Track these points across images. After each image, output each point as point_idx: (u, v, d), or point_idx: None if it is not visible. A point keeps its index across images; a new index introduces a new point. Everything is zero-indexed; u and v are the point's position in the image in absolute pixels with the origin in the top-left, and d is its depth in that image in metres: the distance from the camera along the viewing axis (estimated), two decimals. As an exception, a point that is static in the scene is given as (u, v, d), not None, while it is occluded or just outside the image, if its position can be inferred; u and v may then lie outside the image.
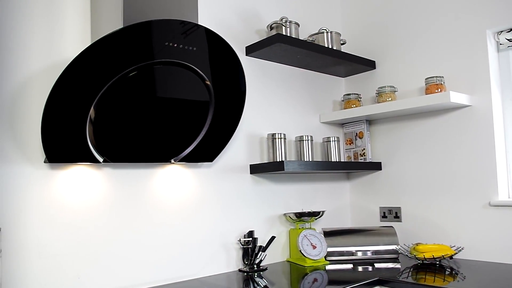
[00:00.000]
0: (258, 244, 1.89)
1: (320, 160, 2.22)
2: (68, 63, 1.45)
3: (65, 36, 1.46)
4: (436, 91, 1.88)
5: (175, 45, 1.33)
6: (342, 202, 2.33)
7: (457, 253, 1.81)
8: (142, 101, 1.40)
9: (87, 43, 1.50)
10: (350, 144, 2.29)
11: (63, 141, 1.30)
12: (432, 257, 1.76)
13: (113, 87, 1.32)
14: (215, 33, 1.41)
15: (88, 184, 1.47)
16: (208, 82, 1.50)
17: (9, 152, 1.33)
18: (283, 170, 1.74)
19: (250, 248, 1.79)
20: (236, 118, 1.64)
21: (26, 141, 1.36)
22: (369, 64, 2.23)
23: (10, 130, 1.34)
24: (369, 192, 2.27)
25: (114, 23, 1.36)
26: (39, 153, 1.38)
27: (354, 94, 2.20)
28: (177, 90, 1.45)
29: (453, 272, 1.65)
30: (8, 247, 1.30)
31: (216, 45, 1.44)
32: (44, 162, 1.38)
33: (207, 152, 1.65)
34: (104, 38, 1.23)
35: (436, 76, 1.89)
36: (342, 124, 2.35)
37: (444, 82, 1.91)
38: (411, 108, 1.93)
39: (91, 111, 1.32)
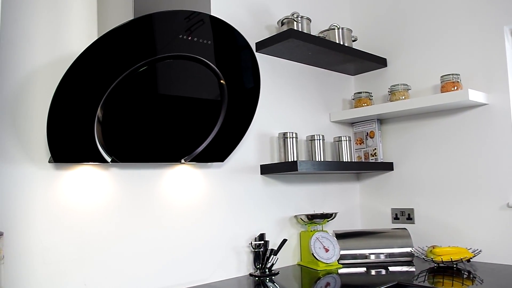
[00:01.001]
0: (269, 247, 1.82)
1: (330, 160, 2.16)
2: (74, 57, 1.38)
3: (70, 29, 1.38)
4: (453, 89, 1.83)
5: (189, 38, 1.26)
6: (352, 204, 2.27)
7: (475, 256, 1.76)
8: (152, 98, 1.32)
9: (94, 36, 1.42)
10: (360, 144, 2.23)
11: (70, 140, 1.22)
12: (450, 260, 1.70)
13: (122, 83, 1.24)
14: (232, 27, 1.34)
15: (95, 185, 1.40)
16: (222, 79, 1.42)
17: (12, 151, 1.25)
18: (297, 170, 1.67)
19: (262, 252, 1.73)
20: (249, 116, 1.57)
21: (30, 139, 1.28)
22: (381, 62, 2.17)
23: (12, 128, 1.26)
24: (380, 193, 2.21)
25: (123, 15, 1.28)
26: (43, 152, 1.30)
27: (365, 92, 2.15)
28: (189, 87, 1.38)
29: (471, 276, 1.60)
30: (11, 252, 1.22)
31: (231, 40, 1.37)
32: (49, 161, 1.30)
33: (219, 151, 1.58)
34: (113, 31, 1.16)
35: (453, 74, 1.84)
36: (351, 123, 2.28)
37: (460, 80, 1.85)
38: (426, 107, 1.88)
39: (100, 108, 1.24)
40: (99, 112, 1.24)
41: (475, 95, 1.77)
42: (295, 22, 1.86)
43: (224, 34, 1.34)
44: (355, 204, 2.28)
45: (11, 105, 1.26)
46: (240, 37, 1.38)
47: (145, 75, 1.28)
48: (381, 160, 2.15)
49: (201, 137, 1.50)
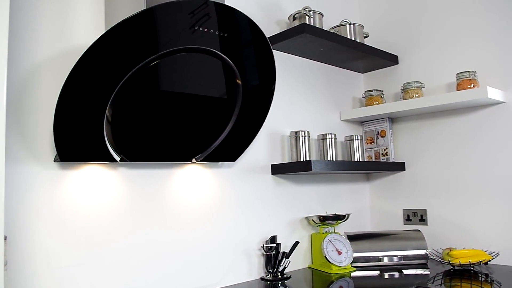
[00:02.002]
0: (281, 250, 1.76)
1: (341, 159, 2.10)
2: (81, 50, 1.30)
3: (76, 20, 1.31)
4: (469, 86, 1.77)
5: (205, 29, 1.19)
6: (362, 204, 2.21)
7: (493, 258, 1.71)
8: (163, 95, 1.25)
9: (101, 28, 1.35)
10: (370, 143, 2.17)
11: (78, 138, 1.15)
12: (469, 263, 1.65)
13: (133, 78, 1.17)
14: (251, 19, 1.28)
15: (102, 185, 1.32)
16: (237, 77, 1.36)
17: (15, 150, 1.17)
18: (310, 170, 1.61)
19: (273, 255, 1.66)
20: (263, 115, 1.50)
21: (34, 136, 1.21)
22: (392, 59, 2.11)
23: (15, 124, 1.18)
24: (391, 193, 2.16)
25: (133, 5, 1.21)
26: (48, 150, 1.23)
27: (377, 90, 2.09)
28: (201, 84, 1.31)
29: (489, 279, 1.55)
30: (14, 257, 1.14)
31: (249, 33, 1.30)
32: (54, 160, 1.22)
33: (231, 150, 1.51)
34: (123, 23, 1.08)
35: (469, 71, 1.78)
36: (362, 122, 2.23)
37: (477, 77, 1.80)
38: (440, 105, 1.82)
39: (109, 104, 1.17)
40: (108, 109, 1.17)
41: (493, 93, 1.72)
42: (307, 17, 1.80)
43: (241, 26, 1.28)
44: (365, 205, 2.22)
45: (14, 100, 1.18)
46: (257, 30, 1.32)
47: (156, 70, 1.21)
48: (393, 160, 2.10)
49: (214, 136, 1.43)
